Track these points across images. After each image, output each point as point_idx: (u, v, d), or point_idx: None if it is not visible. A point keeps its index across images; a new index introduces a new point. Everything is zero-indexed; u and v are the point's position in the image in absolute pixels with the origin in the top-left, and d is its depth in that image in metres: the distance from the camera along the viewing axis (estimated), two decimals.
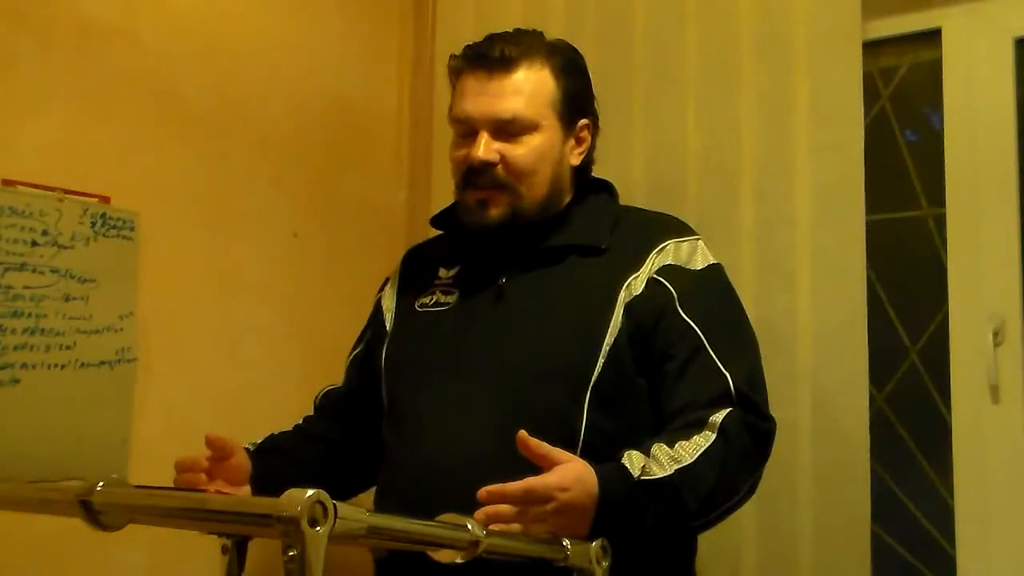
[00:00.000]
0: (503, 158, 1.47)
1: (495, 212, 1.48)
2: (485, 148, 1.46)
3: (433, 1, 2.43)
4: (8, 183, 1.73)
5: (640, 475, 1.27)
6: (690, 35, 2.02)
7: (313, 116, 2.27)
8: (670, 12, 2.05)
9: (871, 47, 1.95)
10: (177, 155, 1.99)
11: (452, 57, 1.56)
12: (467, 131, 1.50)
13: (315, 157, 2.27)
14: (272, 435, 1.62)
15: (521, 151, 1.47)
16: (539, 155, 1.48)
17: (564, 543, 1.14)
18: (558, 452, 1.21)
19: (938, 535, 1.92)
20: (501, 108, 1.47)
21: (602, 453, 1.35)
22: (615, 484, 1.25)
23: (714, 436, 1.32)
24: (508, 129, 1.47)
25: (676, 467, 1.28)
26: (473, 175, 1.48)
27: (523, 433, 1.19)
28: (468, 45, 1.55)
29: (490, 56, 1.49)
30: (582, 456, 1.33)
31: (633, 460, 1.28)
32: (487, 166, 1.46)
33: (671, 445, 1.31)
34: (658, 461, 1.29)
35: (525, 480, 1.17)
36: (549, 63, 1.51)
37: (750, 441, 1.37)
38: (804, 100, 1.89)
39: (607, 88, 2.08)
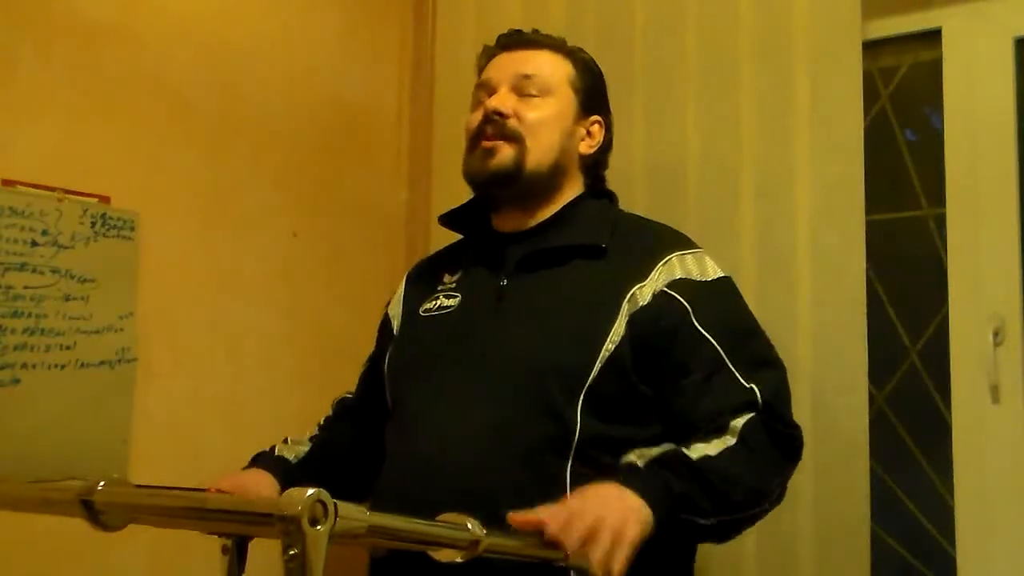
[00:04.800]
0: (516, 114, 1.51)
1: (499, 157, 1.49)
2: (501, 98, 1.51)
3: (433, 1, 2.43)
4: (8, 183, 1.73)
5: (643, 462, 1.30)
6: (690, 35, 2.03)
7: (313, 116, 2.27)
8: (670, 12, 2.05)
9: (871, 47, 1.95)
10: (177, 155, 1.99)
11: (484, 48, 1.62)
12: (486, 94, 1.55)
13: (315, 157, 2.27)
14: (312, 448, 1.62)
15: (535, 112, 1.51)
16: (551, 119, 1.52)
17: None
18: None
19: (938, 535, 1.92)
20: (522, 66, 1.54)
21: (595, 457, 1.36)
22: (626, 475, 1.26)
23: (734, 439, 1.34)
24: (525, 87, 1.52)
25: (677, 451, 1.30)
26: (487, 124, 1.51)
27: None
28: (498, 35, 1.62)
29: (517, 38, 1.59)
30: (574, 459, 1.35)
31: (632, 456, 1.32)
32: (501, 116, 1.50)
33: (687, 446, 1.32)
34: (659, 451, 1.32)
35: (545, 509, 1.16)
36: (570, 57, 1.59)
37: (772, 444, 1.37)
38: (804, 100, 1.89)
39: (607, 88, 2.09)
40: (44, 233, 1.76)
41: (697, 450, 1.31)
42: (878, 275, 1.98)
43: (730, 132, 1.96)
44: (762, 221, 1.91)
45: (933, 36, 1.97)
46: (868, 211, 1.83)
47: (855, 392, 1.80)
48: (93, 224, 1.83)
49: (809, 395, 1.83)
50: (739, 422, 1.35)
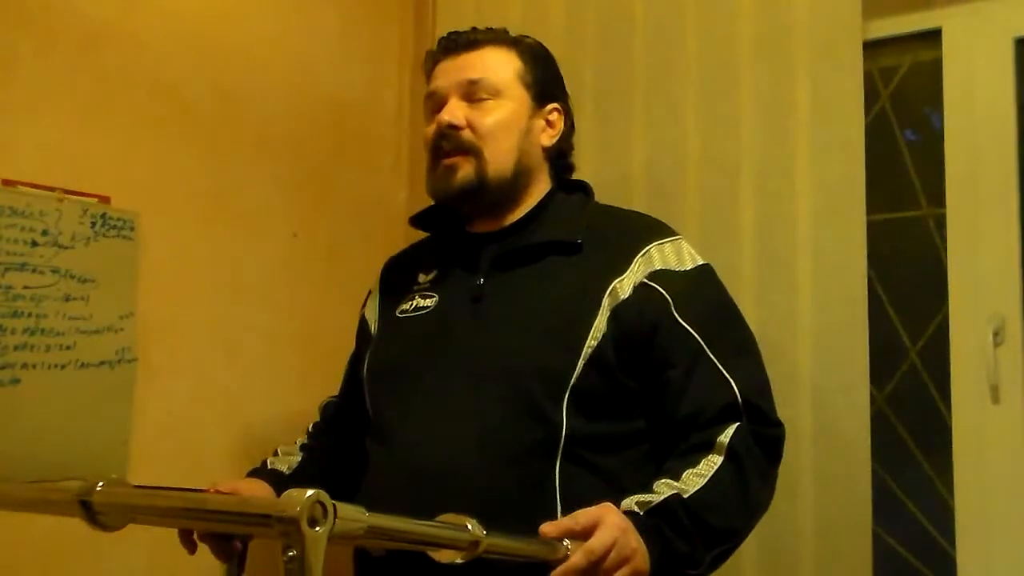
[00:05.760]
0: (470, 123, 1.48)
1: (461, 175, 1.48)
2: (451, 111, 1.49)
3: (433, 1, 2.43)
4: (8, 183, 1.73)
5: (640, 509, 1.27)
6: (690, 35, 2.03)
7: (313, 115, 2.27)
8: (670, 12, 2.05)
9: (871, 47, 1.95)
10: (177, 155, 1.99)
11: (427, 54, 1.59)
12: (436, 106, 1.52)
13: (315, 157, 2.27)
14: (303, 457, 1.61)
15: (488, 118, 1.49)
16: (505, 122, 1.50)
17: (564, 543, 1.14)
18: (575, 517, 1.20)
19: (938, 535, 1.92)
20: (468, 73, 1.51)
21: (583, 456, 1.35)
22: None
23: (722, 459, 1.32)
24: (475, 93, 1.49)
25: (676, 491, 1.29)
26: (442, 140, 1.49)
27: (543, 527, 1.17)
28: (439, 39, 1.59)
29: (457, 41, 1.55)
30: (562, 459, 1.34)
31: (631, 503, 1.28)
32: (454, 129, 1.48)
33: (677, 477, 1.31)
34: (659, 493, 1.29)
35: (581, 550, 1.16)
36: (515, 48, 1.55)
37: (761, 454, 1.37)
38: (804, 100, 1.89)
39: (607, 88, 2.09)
40: (44, 233, 1.76)
41: (688, 482, 1.30)
42: (878, 275, 1.98)
43: (730, 132, 1.96)
44: (762, 221, 1.91)
45: (933, 36, 1.97)
46: (868, 211, 1.83)
47: (856, 392, 1.80)
48: (93, 224, 1.83)
49: (809, 395, 1.83)
50: (725, 438, 1.33)
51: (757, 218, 1.92)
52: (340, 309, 2.22)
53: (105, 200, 1.86)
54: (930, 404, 1.94)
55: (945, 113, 1.93)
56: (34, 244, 1.75)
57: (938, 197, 1.94)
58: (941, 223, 1.93)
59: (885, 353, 1.94)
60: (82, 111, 1.84)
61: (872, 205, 1.85)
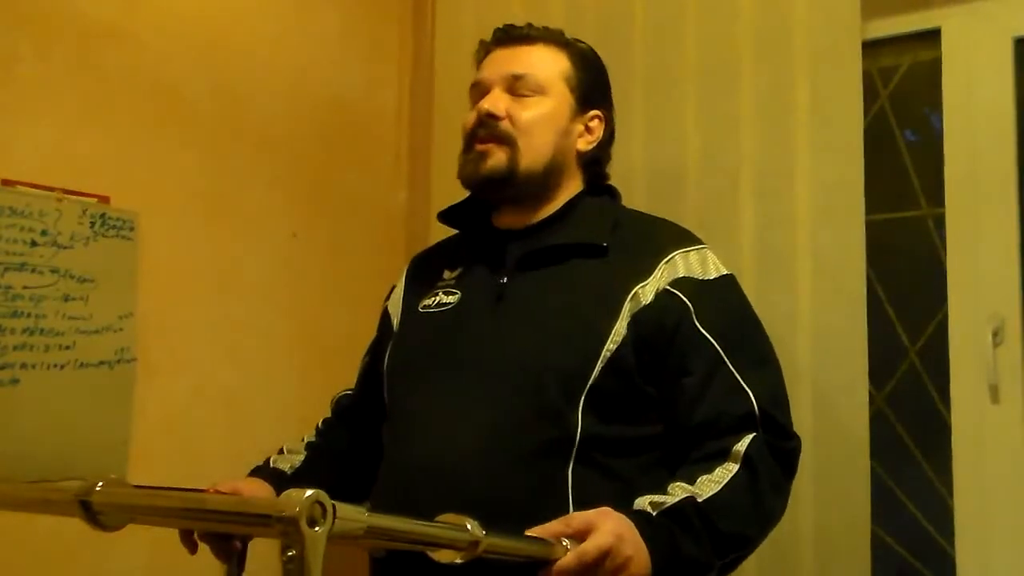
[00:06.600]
0: (509, 115, 1.49)
1: (492, 161, 1.48)
2: (493, 100, 1.50)
3: (433, 1, 2.43)
4: (8, 183, 1.73)
5: (653, 510, 1.27)
6: (690, 35, 2.03)
7: (313, 116, 2.27)
8: (670, 12, 2.05)
9: (871, 47, 1.95)
10: (177, 155, 1.99)
11: (480, 43, 1.60)
12: (480, 95, 1.53)
13: (315, 157, 2.27)
14: (307, 456, 1.60)
15: (527, 112, 1.49)
16: (543, 119, 1.50)
17: (564, 543, 1.14)
18: (568, 520, 1.19)
19: (938, 535, 1.92)
20: (515, 66, 1.52)
21: (597, 458, 1.35)
22: (636, 524, 1.23)
23: (737, 467, 1.32)
24: (519, 87, 1.50)
25: (691, 494, 1.29)
26: (479, 128, 1.50)
27: (528, 530, 1.16)
28: (494, 29, 1.60)
29: (511, 33, 1.56)
30: (575, 461, 1.33)
31: (645, 502, 1.28)
32: (493, 118, 1.49)
33: (691, 481, 1.31)
34: (673, 495, 1.29)
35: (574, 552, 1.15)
36: (566, 49, 1.56)
37: (776, 466, 1.37)
38: (804, 100, 1.89)
39: None
40: (44, 233, 1.76)
41: (703, 487, 1.30)
42: (878, 275, 1.98)
43: (730, 132, 1.96)
44: (762, 221, 1.91)
45: (932, 36, 1.97)
46: (867, 211, 1.83)
47: (855, 392, 1.80)
48: (92, 224, 1.83)
49: (809, 395, 1.83)
50: (741, 446, 1.33)
51: (757, 218, 1.92)
52: (340, 309, 2.23)
53: (104, 200, 1.86)
54: (930, 404, 1.94)
55: (944, 113, 1.93)
56: (33, 244, 1.75)
57: (938, 197, 1.94)
58: (941, 223, 1.93)
59: (885, 353, 1.94)
60: (82, 111, 1.84)
61: (872, 205, 1.85)
